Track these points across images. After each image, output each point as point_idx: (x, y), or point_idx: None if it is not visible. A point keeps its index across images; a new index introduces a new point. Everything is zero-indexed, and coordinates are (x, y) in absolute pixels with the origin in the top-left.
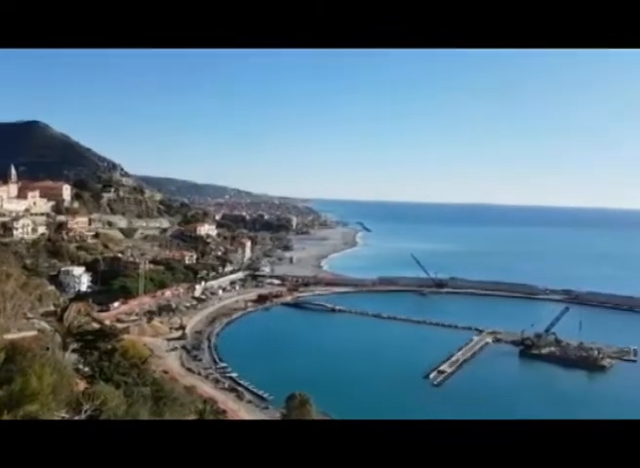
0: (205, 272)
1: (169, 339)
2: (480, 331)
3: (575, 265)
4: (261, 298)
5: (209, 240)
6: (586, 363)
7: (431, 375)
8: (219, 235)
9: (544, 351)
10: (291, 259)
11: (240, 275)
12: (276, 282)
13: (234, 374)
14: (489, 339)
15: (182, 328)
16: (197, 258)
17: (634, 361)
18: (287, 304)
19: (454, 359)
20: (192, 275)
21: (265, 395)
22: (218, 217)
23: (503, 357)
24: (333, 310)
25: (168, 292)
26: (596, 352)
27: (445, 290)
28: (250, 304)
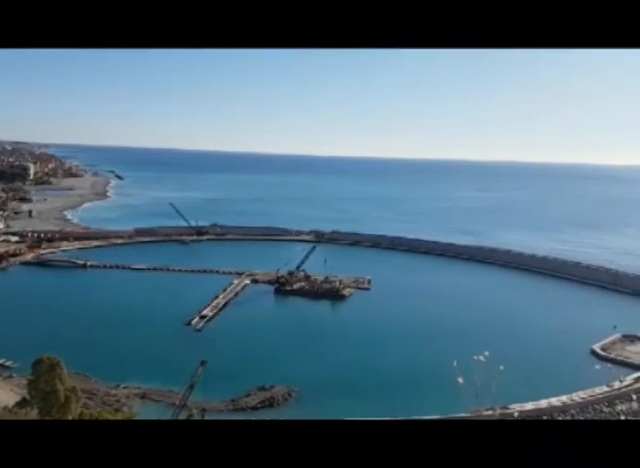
0: None
1: None
2: (240, 274)
3: (326, 208)
4: None
5: None
6: (330, 293)
7: (193, 321)
8: None
9: (296, 287)
10: (30, 212)
11: None
12: (13, 239)
13: None
14: (247, 281)
15: None
16: None
17: (368, 289)
18: (27, 263)
19: (215, 303)
20: None
21: (8, 363)
22: None
23: (261, 295)
24: (84, 266)
25: None
26: (338, 283)
27: (206, 237)
28: None
